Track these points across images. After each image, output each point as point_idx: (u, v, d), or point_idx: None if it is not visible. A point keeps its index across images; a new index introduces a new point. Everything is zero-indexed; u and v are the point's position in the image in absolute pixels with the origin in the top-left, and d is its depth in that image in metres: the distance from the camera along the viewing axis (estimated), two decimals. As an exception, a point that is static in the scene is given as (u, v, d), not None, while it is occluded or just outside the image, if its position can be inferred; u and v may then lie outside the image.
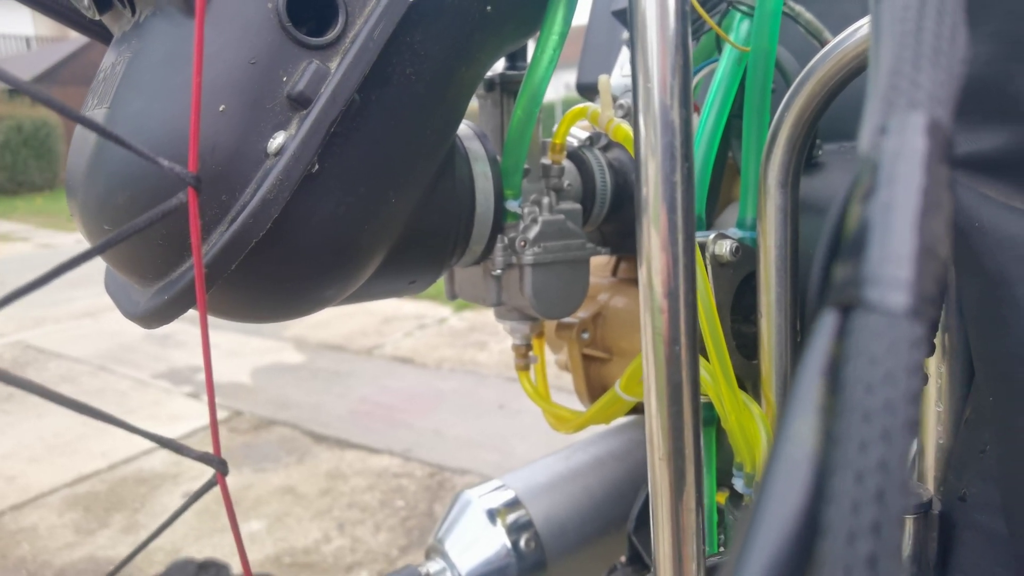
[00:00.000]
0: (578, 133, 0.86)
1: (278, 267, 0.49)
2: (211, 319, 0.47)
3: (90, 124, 0.31)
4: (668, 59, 0.40)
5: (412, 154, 0.54)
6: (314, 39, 0.47)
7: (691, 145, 0.39)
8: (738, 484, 0.62)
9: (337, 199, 0.49)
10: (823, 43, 0.76)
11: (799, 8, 0.76)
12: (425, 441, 3.53)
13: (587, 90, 1.06)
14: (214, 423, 0.32)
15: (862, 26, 0.53)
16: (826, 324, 0.20)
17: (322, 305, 0.56)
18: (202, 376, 4.52)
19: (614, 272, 0.98)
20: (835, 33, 0.78)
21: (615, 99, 0.90)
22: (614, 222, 0.85)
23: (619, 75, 0.92)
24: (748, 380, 0.64)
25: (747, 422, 0.60)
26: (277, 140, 0.45)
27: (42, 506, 3.13)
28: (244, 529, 2.87)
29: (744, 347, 0.66)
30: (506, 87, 0.76)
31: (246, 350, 4.89)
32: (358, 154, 0.49)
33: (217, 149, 0.45)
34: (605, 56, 1.04)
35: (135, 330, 5.41)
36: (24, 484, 3.31)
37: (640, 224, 0.41)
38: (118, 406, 4.18)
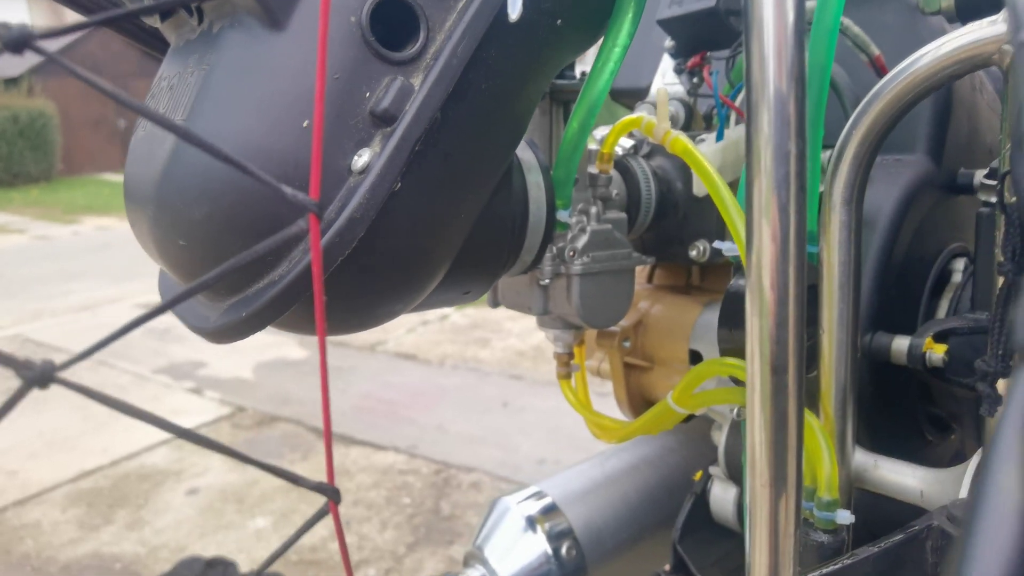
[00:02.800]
0: (622, 142, 0.86)
1: (354, 284, 0.49)
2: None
3: (203, 145, 0.31)
4: (785, 57, 0.40)
5: (482, 169, 0.54)
6: (396, 54, 0.46)
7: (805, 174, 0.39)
8: (796, 498, 0.63)
9: (415, 217, 0.48)
10: (870, 56, 0.76)
11: (847, 21, 0.75)
12: (429, 438, 3.53)
13: (621, 95, 1.06)
14: (329, 451, 0.31)
15: (932, 49, 0.53)
16: None
17: (388, 319, 0.56)
18: (202, 371, 4.51)
19: (650, 279, 0.98)
20: (878, 43, 0.78)
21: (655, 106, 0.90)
22: (656, 230, 0.85)
23: (661, 83, 0.92)
24: (806, 394, 0.64)
25: (808, 436, 0.60)
26: (363, 158, 0.44)
27: (45, 502, 3.12)
28: (250, 526, 2.87)
29: (799, 361, 0.66)
30: (555, 96, 0.76)
31: (248, 345, 4.86)
32: (435, 171, 0.49)
33: (300, 165, 0.44)
34: (639, 62, 1.04)
35: (135, 324, 5.38)
36: (25, 480, 3.30)
37: (751, 250, 0.41)
38: (119, 401, 4.15)
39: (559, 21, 0.55)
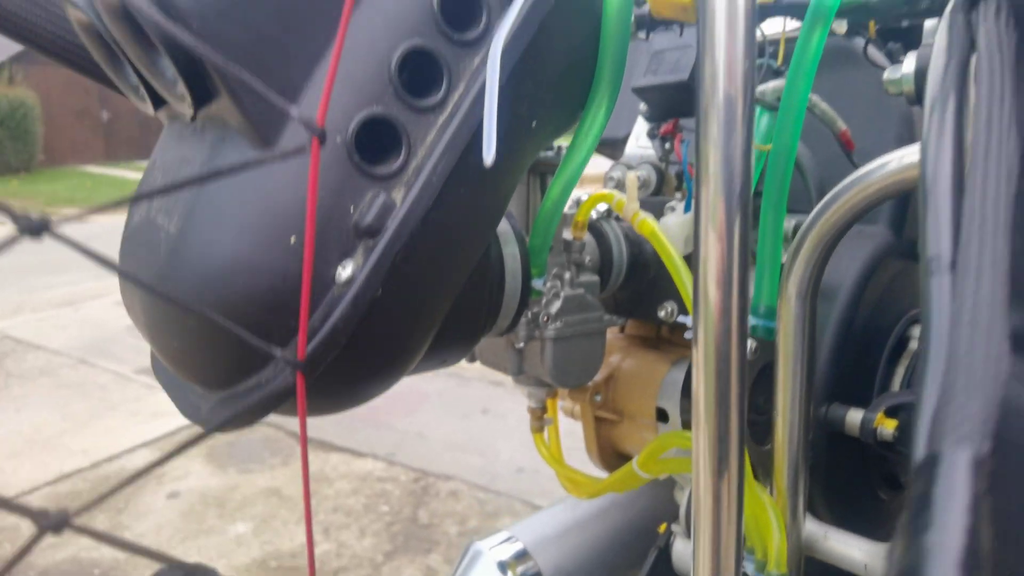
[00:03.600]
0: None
1: (334, 379, 0.52)
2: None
3: (180, 304, 0.34)
4: (734, 123, 0.43)
5: (462, 263, 0.57)
6: (379, 170, 0.49)
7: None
8: (749, 568, 0.66)
9: (395, 319, 0.52)
10: (836, 132, 0.79)
11: (815, 98, 0.79)
12: (409, 444, 3.56)
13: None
14: (310, 550, 0.35)
15: (893, 160, 0.56)
16: None
17: (370, 400, 0.59)
18: (184, 371, 4.49)
19: (622, 328, 1.01)
20: (843, 115, 0.82)
21: (629, 167, 0.93)
22: (627, 289, 0.88)
23: (635, 145, 0.95)
24: (759, 466, 0.68)
25: (759, 510, 0.64)
26: (347, 270, 0.47)
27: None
28: (231, 531, 2.89)
29: (755, 433, 0.69)
30: (533, 168, 0.79)
31: (229, 346, 4.86)
32: (416, 276, 0.52)
33: (288, 278, 0.47)
34: (617, 113, 1.07)
35: (117, 322, 5.36)
36: (3, 481, 3.30)
37: (698, 323, 0.44)
38: (99, 401, 4.15)
39: (534, 123, 0.58)
